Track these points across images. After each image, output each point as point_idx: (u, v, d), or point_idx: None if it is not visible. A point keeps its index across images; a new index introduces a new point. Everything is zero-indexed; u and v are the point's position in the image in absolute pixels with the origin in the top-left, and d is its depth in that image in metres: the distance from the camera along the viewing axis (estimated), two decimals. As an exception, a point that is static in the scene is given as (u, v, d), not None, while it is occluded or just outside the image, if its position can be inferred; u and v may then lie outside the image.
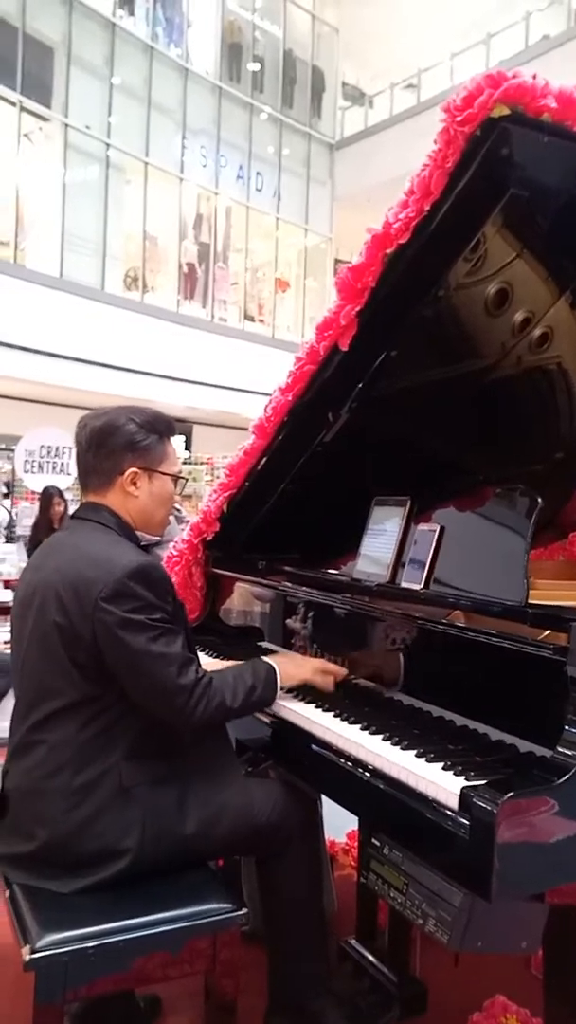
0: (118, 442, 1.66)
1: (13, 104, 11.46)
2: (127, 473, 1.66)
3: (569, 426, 2.17)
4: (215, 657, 2.14)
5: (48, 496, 6.18)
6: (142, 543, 1.71)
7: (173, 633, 1.53)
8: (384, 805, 1.34)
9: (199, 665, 1.56)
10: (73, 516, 1.73)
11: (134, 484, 1.67)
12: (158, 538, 1.79)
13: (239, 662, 1.75)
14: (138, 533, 1.70)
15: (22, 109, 11.61)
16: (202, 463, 10.18)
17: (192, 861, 1.57)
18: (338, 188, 15.75)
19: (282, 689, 1.67)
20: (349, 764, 1.46)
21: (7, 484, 9.35)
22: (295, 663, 1.76)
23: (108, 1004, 1.66)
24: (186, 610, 1.78)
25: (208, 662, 2.07)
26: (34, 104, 11.79)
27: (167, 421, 1.75)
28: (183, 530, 2.43)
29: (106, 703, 1.52)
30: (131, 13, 12.92)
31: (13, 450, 7.85)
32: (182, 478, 1.79)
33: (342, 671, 1.76)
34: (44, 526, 5.91)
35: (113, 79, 12.52)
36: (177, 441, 1.80)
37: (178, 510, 6.23)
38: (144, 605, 1.50)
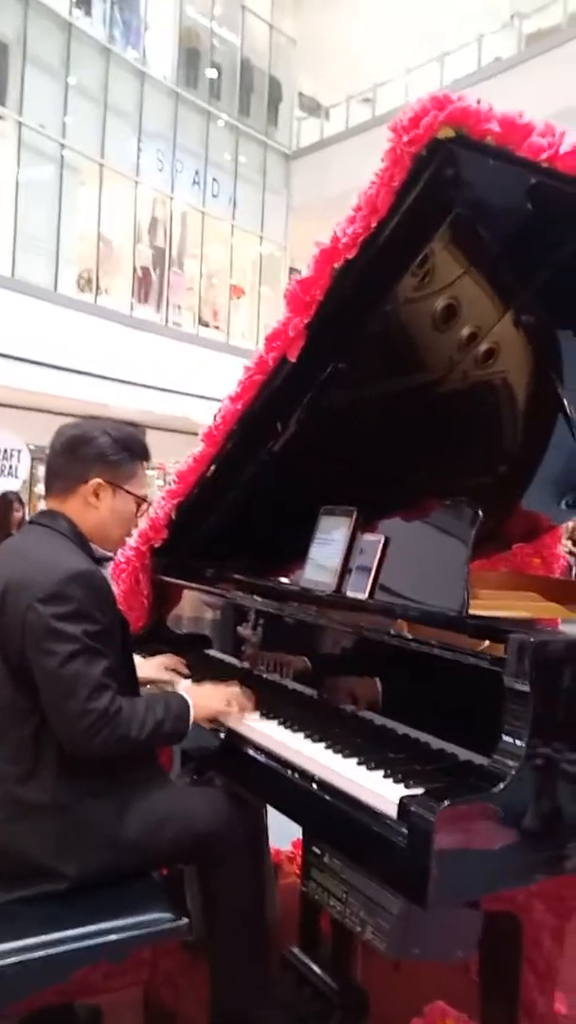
0: (89, 451, 1.67)
1: (-34, 101, 11.28)
2: (91, 483, 1.67)
3: (513, 440, 2.22)
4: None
5: (7, 502, 6.03)
6: (95, 556, 1.71)
7: (95, 654, 1.49)
8: (325, 813, 1.36)
9: (114, 692, 1.50)
10: (30, 522, 1.74)
11: (96, 495, 1.67)
12: (110, 553, 1.79)
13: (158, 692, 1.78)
14: (92, 546, 1.69)
15: (-26, 106, 11.44)
16: (154, 468, 10.11)
17: (134, 872, 1.56)
18: (294, 197, 15.83)
19: (195, 723, 1.65)
20: (291, 772, 1.47)
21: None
22: (207, 695, 1.72)
23: (46, 1015, 1.63)
24: (128, 626, 1.77)
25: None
26: (-12, 102, 11.62)
27: (143, 444, 1.77)
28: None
29: (39, 715, 1.50)
30: (88, 13, 12.82)
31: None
32: (147, 502, 1.80)
33: (249, 705, 1.73)
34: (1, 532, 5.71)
35: (69, 79, 12.40)
36: (146, 462, 1.83)
37: None
38: (75, 612, 1.48)
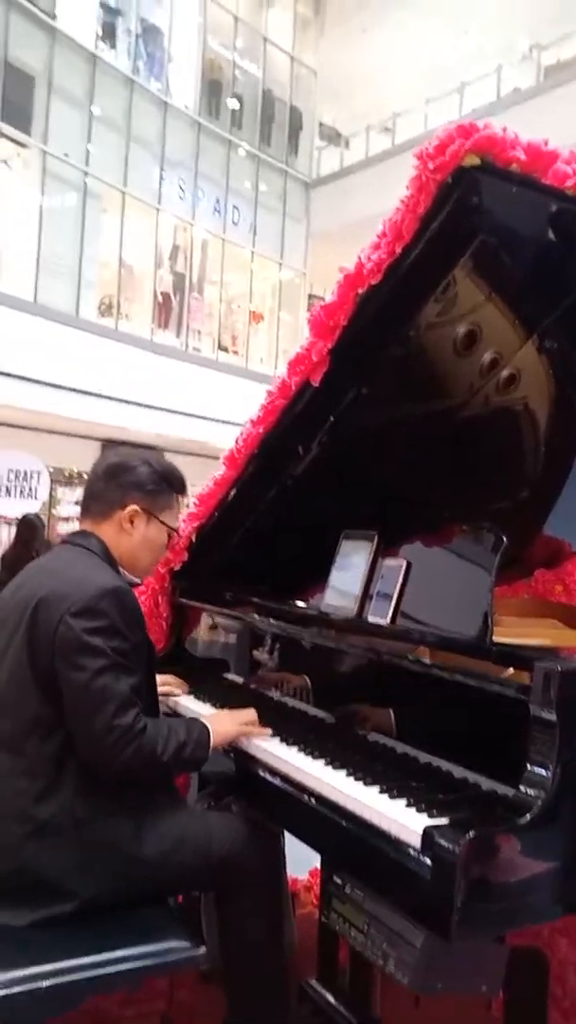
0: (129, 479, 1.73)
1: (-8, 130, 11.52)
2: (128, 509, 1.71)
3: (534, 466, 2.21)
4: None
5: (30, 524, 5.70)
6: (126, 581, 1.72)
7: (125, 670, 1.51)
8: (346, 842, 1.34)
9: (140, 710, 1.52)
10: (63, 541, 1.77)
11: (131, 522, 1.71)
12: (137, 580, 1.81)
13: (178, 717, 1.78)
14: (121, 571, 1.71)
15: (1, 135, 11.67)
16: (172, 492, 10.13)
17: (149, 896, 1.54)
18: (313, 225, 15.99)
19: (214, 750, 1.65)
20: (311, 800, 1.45)
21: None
22: (224, 721, 1.72)
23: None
24: (154, 648, 1.79)
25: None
26: (13, 131, 11.85)
27: (181, 479, 1.82)
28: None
29: (61, 732, 1.50)
30: (112, 46, 13.09)
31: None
32: (178, 535, 1.86)
33: (267, 730, 1.72)
34: (23, 557, 4.95)
35: (93, 109, 12.64)
36: (182, 497, 1.88)
37: None
38: (108, 627, 1.50)
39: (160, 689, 1.95)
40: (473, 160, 1.37)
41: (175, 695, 2.05)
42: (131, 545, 1.72)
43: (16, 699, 1.52)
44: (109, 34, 13.03)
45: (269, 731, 1.71)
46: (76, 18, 12.34)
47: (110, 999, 1.37)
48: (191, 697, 2.06)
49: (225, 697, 1.98)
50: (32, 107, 12.09)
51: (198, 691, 2.08)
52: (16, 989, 1.29)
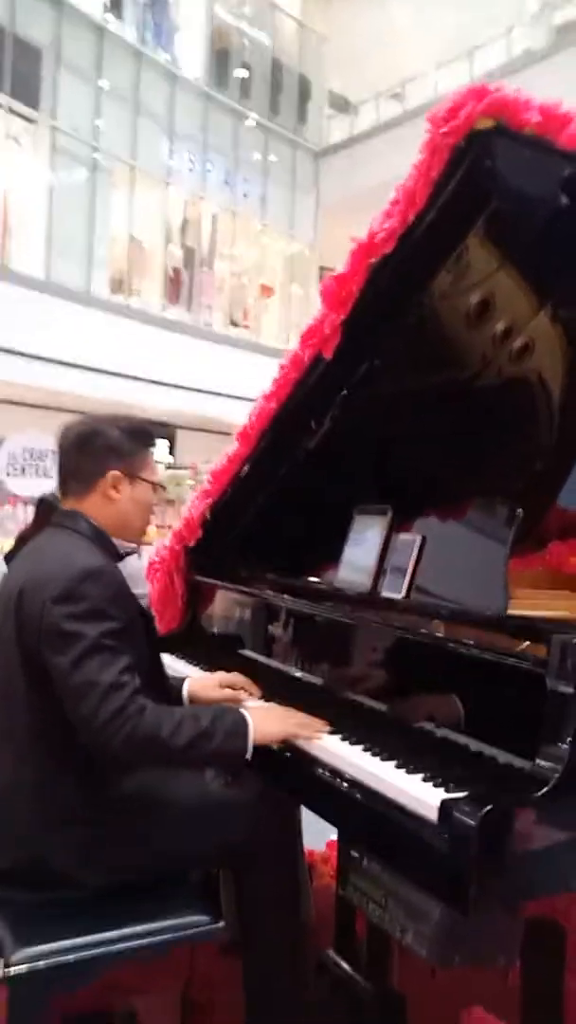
0: (101, 446, 1.66)
1: (0, 106, 11.41)
2: (109, 476, 1.66)
3: (548, 437, 2.18)
4: (195, 666, 2.13)
5: (50, 506, 5.81)
6: (120, 552, 1.70)
7: (111, 652, 1.44)
8: (363, 816, 1.34)
9: (134, 690, 1.43)
10: (51, 523, 1.71)
11: (115, 488, 1.66)
12: (134, 546, 1.77)
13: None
14: (116, 541, 1.68)
15: (9, 111, 11.57)
16: (185, 468, 10.15)
17: (166, 877, 1.55)
18: (323, 196, 15.80)
19: (255, 745, 1.51)
20: (327, 774, 1.45)
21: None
22: (275, 717, 1.58)
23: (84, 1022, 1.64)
24: (152, 620, 1.75)
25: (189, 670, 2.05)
26: (21, 106, 11.75)
27: (150, 431, 1.76)
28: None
29: (62, 721, 1.46)
30: (119, 17, 12.92)
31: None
32: (161, 486, 1.79)
33: (325, 727, 1.56)
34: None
35: (101, 82, 12.50)
36: (160, 445, 1.82)
37: None
38: (89, 611, 1.45)
39: (229, 692, 1.80)
40: (486, 123, 1.34)
41: (243, 698, 1.80)
42: (119, 511, 1.67)
43: (12, 690, 1.50)
44: (116, 4, 12.86)
45: (321, 737, 1.53)
46: (82, -12, 12.18)
47: (130, 971, 1.38)
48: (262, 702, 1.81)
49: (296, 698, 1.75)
50: (40, 81, 11.99)
51: (271, 693, 1.84)
52: (40, 963, 1.30)
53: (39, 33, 11.82)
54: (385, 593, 1.71)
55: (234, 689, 1.81)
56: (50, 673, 1.46)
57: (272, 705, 1.70)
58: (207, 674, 1.92)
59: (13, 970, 1.28)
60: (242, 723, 1.51)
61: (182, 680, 1.84)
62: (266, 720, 1.55)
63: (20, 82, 11.52)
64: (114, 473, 1.66)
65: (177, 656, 2.22)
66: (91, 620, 1.45)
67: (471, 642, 1.41)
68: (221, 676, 1.85)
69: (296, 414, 1.88)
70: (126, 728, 1.40)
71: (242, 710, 1.57)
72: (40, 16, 11.73)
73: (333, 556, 1.92)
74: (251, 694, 1.81)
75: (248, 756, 1.50)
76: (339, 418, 1.88)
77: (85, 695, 1.41)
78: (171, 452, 13.02)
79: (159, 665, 1.75)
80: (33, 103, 11.95)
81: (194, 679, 1.85)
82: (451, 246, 1.58)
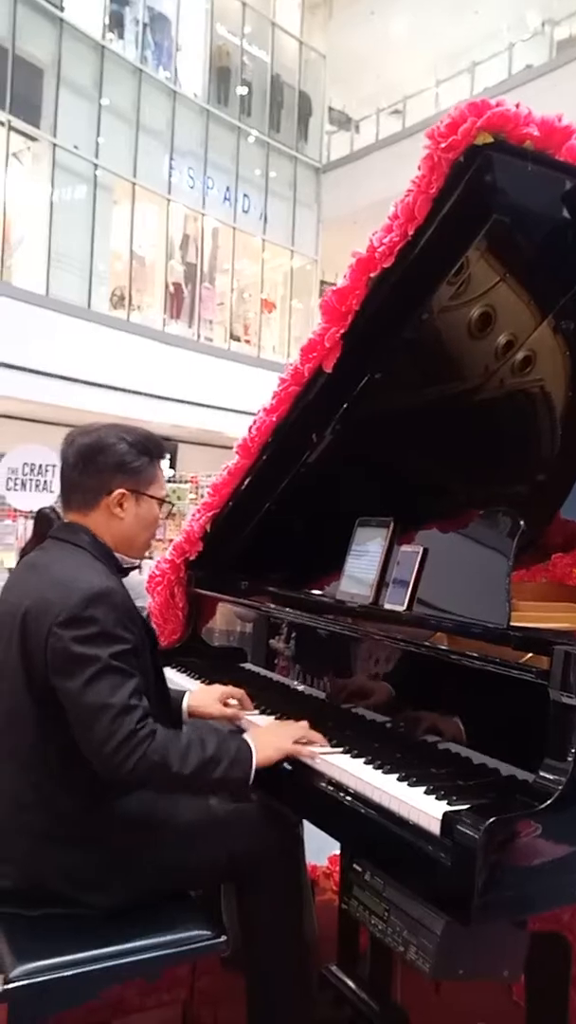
0: (107, 461, 1.60)
1: (2, 124, 11.51)
2: (115, 494, 1.60)
3: (551, 448, 2.18)
4: (196, 679, 2.12)
5: (48, 520, 5.85)
6: (122, 566, 1.67)
7: (120, 674, 1.41)
8: (365, 830, 1.33)
9: (144, 713, 1.42)
10: (50, 536, 1.67)
11: (120, 506, 1.61)
12: (136, 561, 1.73)
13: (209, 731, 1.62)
14: (118, 555, 1.65)
15: (11, 128, 11.66)
16: (186, 481, 10.17)
17: (168, 893, 1.53)
18: (324, 211, 15.89)
19: (257, 769, 1.49)
20: (330, 788, 1.44)
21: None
22: (274, 737, 1.57)
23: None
24: (156, 638, 1.70)
25: (188, 683, 2.05)
26: (23, 124, 11.85)
27: (157, 443, 1.69)
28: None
29: (64, 742, 1.45)
30: (120, 36, 13.04)
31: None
32: (168, 502, 1.73)
33: (322, 740, 1.57)
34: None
35: (102, 100, 12.61)
36: (162, 461, 1.78)
37: None
38: (98, 634, 1.42)
39: (229, 711, 1.79)
40: (486, 138, 1.35)
41: (241, 716, 1.80)
42: (124, 528, 1.62)
43: (16, 711, 1.48)
44: (117, 24, 12.98)
45: (319, 751, 1.54)
46: (84, 8, 12.30)
47: (131, 988, 1.37)
48: (257, 714, 1.85)
49: (291, 710, 1.78)
50: (41, 100, 12.08)
51: (264, 705, 1.86)
52: (40, 979, 1.29)
53: (40, 52, 11.93)
54: (387, 605, 1.71)
55: (233, 699, 1.81)
56: (57, 696, 1.43)
57: (272, 724, 1.68)
58: (206, 687, 1.91)
59: (13, 986, 1.27)
60: (245, 750, 1.50)
61: (182, 694, 1.82)
62: (266, 743, 1.54)
63: (21, 100, 11.61)
64: (120, 491, 1.60)
65: (178, 669, 2.21)
66: (100, 643, 1.41)
67: (474, 654, 1.40)
68: (220, 690, 1.83)
69: (297, 427, 1.89)
70: (136, 754, 1.38)
71: (245, 736, 1.56)
72: (41, 35, 11.84)
73: (335, 568, 1.92)
74: (246, 708, 1.82)
75: (250, 783, 1.49)
76: (340, 431, 1.89)
77: (96, 718, 1.38)
78: (172, 466, 13.04)
79: (163, 681, 1.74)
80: (34, 121, 12.04)
81: (193, 694, 1.84)
82: (451, 260, 1.59)
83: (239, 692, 1.83)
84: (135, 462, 1.62)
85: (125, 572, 1.68)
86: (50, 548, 1.64)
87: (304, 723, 1.60)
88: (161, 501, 1.68)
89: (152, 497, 1.65)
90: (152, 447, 1.67)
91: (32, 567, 1.62)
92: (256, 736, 1.56)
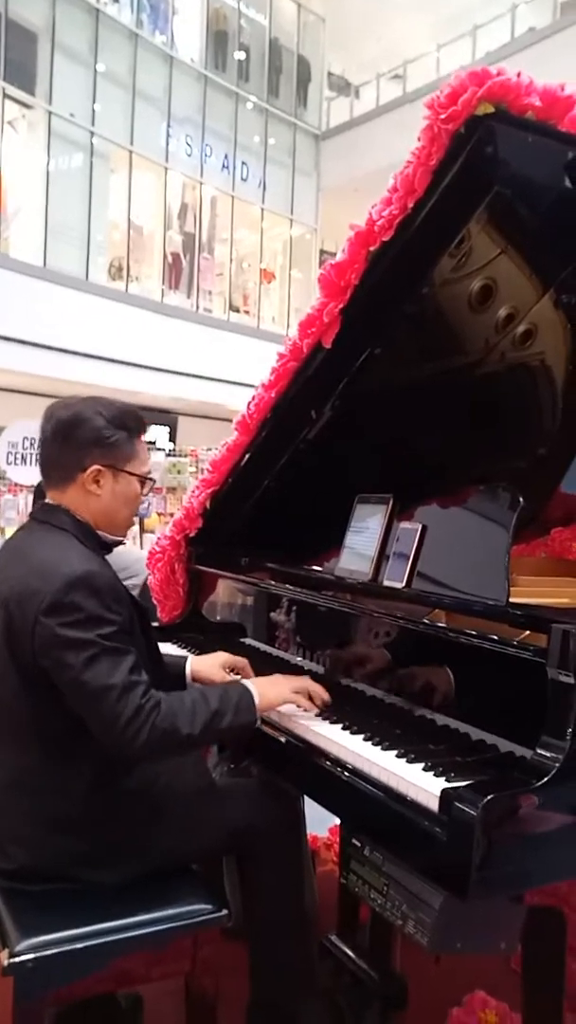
0: (84, 436, 1.56)
1: (-5, 91, 11.33)
2: (90, 470, 1.56)
3: (551, 423, 2.17)
4: (198, 655, 2.13)
5: (42, 492, 5.96)
6: (106, 542, 1.64)
7: (115, 653, 1.41)
8: (364, 805, 1.34)
9: (146, 687, 1.42)
10: (31, 516, 1.65)
11: (96, 483, 1.57)
12: (121, 537, 1.72)
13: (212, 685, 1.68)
14: (100, 533, 1.62)
15: (5, 96, 11.47)
16: (186, 455, 10.16)
17: (172, 869, 1.55)
18: (324, 179, 15.69)
19: (261, 713, 1.54)
20: (329, 764, 1.45)
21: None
22: (276, 683, 1.60)
23: (89, 1004, 1.65)
24: (146, 613, 1.70)
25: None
26: (17, 91, 11.65)
27: (138, 417, 1.64)
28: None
29: (61, 724, 1.45)
30: (115, 0, 12.78)
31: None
32: (150, 479, 1.68)
33: (324, 694, 1.61)
34: None
35: (98, 66, 12.39)
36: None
37: None
38: (84, 618, 1.40)
39: (229, 676, 1.81)
40: (487, 108, 1.32)
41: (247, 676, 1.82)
42: (102, 506, 1.58)
43: (9, 699, 1.48)
44: (112, -14, 12.72)
45: (326, 695, 1.60)
46: (77, -30, 12.04)
47: (135, 960, 1.39)
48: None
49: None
50: (36, 66, 11.88)
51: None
52: (43, 953, 1.31)
53: (34, 17, 11.70)
54: (386, 582, 1.71)
55: (236, 671, 1.82)
56: (47, 680, 1.42)
57: (274, 676, 1.67)
58: (209, 655, 1.91)
59: (18, 959, 1.29)
60: (247, 695, 1.53)
61: (184, 659, 1.83)
62: (267, 688, 1.57)
63: (15, 67, 11.41)
64: (96, 467, 1.56)
65: (179, 645, 2.22)
66: (88, 626, 1.40)
67: (472, 631, 1.41)
68: (223, 657, 1.84)
69: (296, 403, 1.87)
70: (147, 726, 1.39)
71: (244, 682, 1.59)
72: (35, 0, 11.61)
73: (334, 544, 1.92)
74: (248, 677, 1.82)
75: (258, 724, 1.53)
76: (340, 407, 1.88)
77: (100, 700, 1.38)
78: (172, 439, 13.01)
79: (155, 651, 1.73)
80: (29, 88, 11.84)
81: (196, 659, 1.85)
82: (452, 233, 1.57)
83: (243, 661, 1.84)
84: (112, 437, 1.57)
85: (109, 549, 1.65)
86: (32, 530, 1.61)
87: (305, 676, 1.64)
88: (142, 479, 1.64)
89: (131, 474, 1.61)
90: (131, 421, 1.62)
91: (15, 551, 1.59)
92: (257, 683, 1.58)
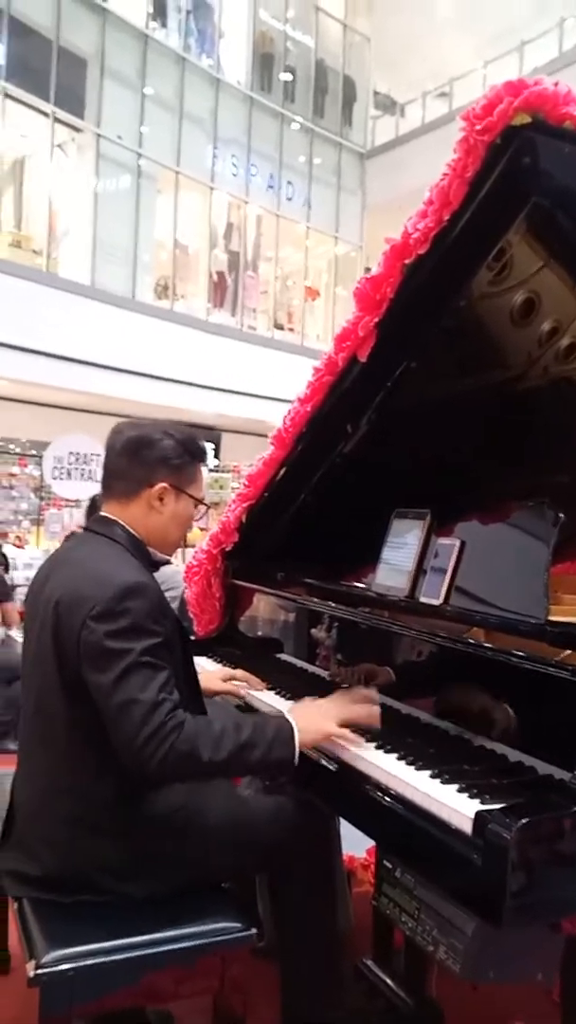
0: (154, 455, 1.63)
1: (47, 115, 11.62)
2: (156, 487, 1.63)
3: (596, 438, 2.12)
4: (233, 669, 2.12)
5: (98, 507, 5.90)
6: (154, 560, 1.68)
7: (151, 668, 1.41)
8: (396, 826, 1.31)
9: (173, 706, 1.41)
10: (84, 528, 1.70)
11: (160, 500, 1.63)
12: (168, 557, 1.75)
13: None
14: (151, 551, 1.66)
15: (55, 120, 11.76)
16: (228, 471, 10.22)
17: (202, 884, 1.54)
18: (369, 197, 15.74)
19: (302, 748, 1.49)
20: (361, 783, 1.43)
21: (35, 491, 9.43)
22: (317, 717, 1.53)
23: (118, 1019, 1.64)
24: (188, 633, 1.73)
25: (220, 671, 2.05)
26: (67, 115, 11.94)
27: (202, 447, 1.73)
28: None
29: (95, 729, 1.45)
30: (164, 25, 13.04)
31: (41, 456, 7.92)
32: (205, 504, 1.76)
33: (376, 722, 1.54)
34: None
35: (145, 90, 12.64)
36: (203, 464, 1.79)
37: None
38: (130, 627, 1.42)
39: (230, 685, 1.93)
40: (523, 118, 1.30)
41: (242, 692, 1.95)
42: (160, 523, 1.64)
43: (51, 701, 1.50)
44: (160, 12, 12.99)
45: (362, 742, 1.51)
46: (127, -2, 12.33)
47: (164, 976, 1.38)
48: (271, 693, 1.93)
49: (305, 691, 1.79)
50: (85, 91, 12.16)
51: (277, 685, 1.96)
52: (69, 966, 1.31)
53: (85, 43, 11.99)
54: (423, 598, 1.69)
55: (236, 680, 1.92)
56: (89, 689, 1.44)
57: (313, 701, 1.63)
58: (210, 671, 2.01)
59: (44, 971, 1.29)
60: (287, 730, 1.48)
61: None
62: (309, 722, 1.51)
63: (66, 92, 11.69)
64: (163, 485, 1.63)
65: (215, 659, 2.22)
66: (132, 637, 1.42)
67: (510, 650, 1.37)
68: (223, 671, 1.93)
69: (331, 418, 1.87)
70: (164, 746, 1.37)
71: (287, 715, 1.53)
72: (85, 26, 11.90)
73: (371, 560, 1.90)
74: (254, 687, 1.93)
75: (295, 762, 1.48)
76: (375, 421, 1.86)
77: (125, 714, 1.38)
78: (216, 455, 13.09)
79: (194, 678, 1.74)
80: (79, 112, 12.13)
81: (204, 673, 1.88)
82: (489, 246, 1.55)
83: (244, 673, 1.93)
84: (179, 459, 1.65)
85: (157, 567, 1.69)
86: (85, 541, 1.66)
87: (358, 701, 1.58)
88: (198, 502, 1.71)
89: (191, 496, 1.68)
90: (196, 448, 1.70)
91: (65, 559, 1.64)
92: (301, 715, 1.53)
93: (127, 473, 1.64)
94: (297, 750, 1.47)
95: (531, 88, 1.27)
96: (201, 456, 1.72)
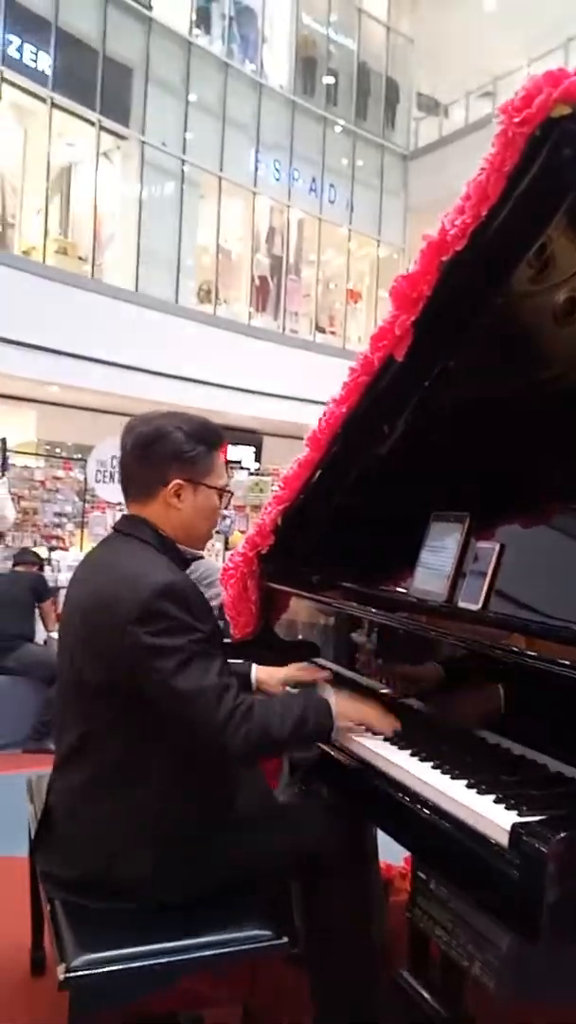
0: (164, 451, 1.59)
1: (92, 123, 11.80)
2: (171, 485, 1.59)
3: None
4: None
5: None
6: (185, 556, 1.66)
7: (206, 657, 1.43)
8: (431, 837, 1.28)
9: (237, 690, 1.45)
10: (113, 529, 1.68)
11: (177, 496, 1.59)
12: (200, 552, 1.72)
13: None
14: (181, 547, 1.64)
15: (101, 128, 11.93)
16: (268, 474, 10.23)
17: (236, 890, 1.52)
18: (412, 199, 15.65)
19: (339, 721, 1.54)
20: (396, 792, 1.40)
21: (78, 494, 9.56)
22: (353, 701, 1.62)
23: (151, 1022, 1.64)
24: (220, 634, 1.71)
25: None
26: (113, 123, 12.11)
27: (216, 431, 1.67)
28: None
29: (135, 733, 1.46)
30: (207, 32, 13.17)
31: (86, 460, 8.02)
32: (228, 492, 1.72)
33: (397, 724, 1.59)
34: None
35: (189, 96, 12.76)
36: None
37: None
38: (174, 625, 1.42)
39: (292, 671, 1.91)
40: (563, 110, 1.26)
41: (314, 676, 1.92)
42: (183, 519, 1.60)
43: (86, 704, 1.49)
44: (204, 19, 13.11)
45: (397, 724, 1.58)
46: (171, 6, 12.47)
47: (197, 982, 1.37)
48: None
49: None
50: (130, 98, 12.32)
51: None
52: (99, 970, 1.30)
53: (130, 52, 12.16)
54: (462, 603, 1.65)
55: (299, 686, 1.86)
56: (127, 693, 1.43)
57: (348, 693, 1.70)
58: (273, 668, 1.94)
59: (74, 975, 1.29)
60: (324, 704, 1.54)
61: (249, 666, 1.85)
62: (344, 702, 1.58)
63: (111, 100, 11.87)
64: (177, 482, 1.59)
65: (251, 662, 2.20)
66: (177, 633, 1.42)
67: (553, 657, 1.33)
68: (286, 672, 1.88)
69: (367, 419, 1.83)
70: (243, 728, 1.40)
71: (321, 694, 1.60)
72: (130, 35, 12.06)
73: (408, 563, 1.86)
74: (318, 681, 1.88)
75: (334, 730, 1.53)
76: (413, 422, 1.83)
77: (194, 703, 1.39)
78: (258, 459, 13.13)
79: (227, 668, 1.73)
80: (124, 120, 12.29)
81: (261, 668, 1.87)
82: (529, 241, 1.50)
83: (310, 675, 1.89)
84: (191, 451, 1.60)
85: (188, 563, 1.67)
86: (114, 543, 1.64)
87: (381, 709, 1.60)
88: (220, 491, 1.66)
89: (210, 487, 1.63)
90: (210, 435, 1.65)
91: (97, 562, 1.63)
92: (332, 696, 1.59)
93: (140, 474, 1.62)
94: (336, 722, 1.53)
95: (571, 78, 1.24)
96: (216, 443, 1.66)
